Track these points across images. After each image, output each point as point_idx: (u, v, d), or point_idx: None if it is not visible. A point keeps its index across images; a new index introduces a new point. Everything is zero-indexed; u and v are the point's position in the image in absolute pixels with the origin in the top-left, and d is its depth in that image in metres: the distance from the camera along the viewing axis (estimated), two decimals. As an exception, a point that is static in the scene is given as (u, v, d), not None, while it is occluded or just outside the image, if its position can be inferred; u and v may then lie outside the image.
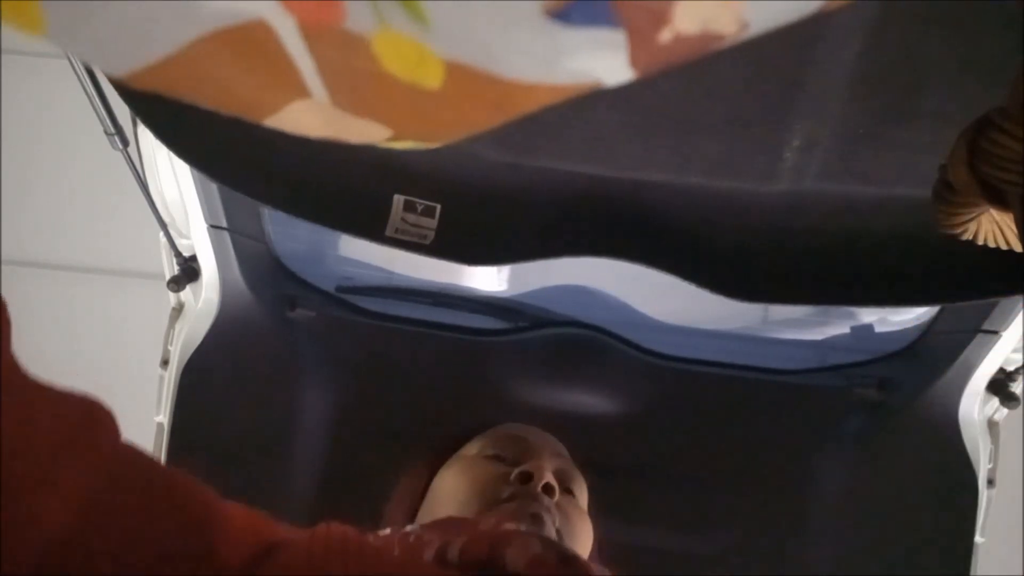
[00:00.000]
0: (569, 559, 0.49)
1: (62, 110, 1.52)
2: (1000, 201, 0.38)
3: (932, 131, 0.59)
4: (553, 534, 0.65)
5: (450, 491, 0.71)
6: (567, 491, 0.73)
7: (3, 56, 1.51)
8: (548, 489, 0.68)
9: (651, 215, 0.75)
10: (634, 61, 0.18)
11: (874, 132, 0.61)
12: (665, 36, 0.17)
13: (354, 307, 0.95)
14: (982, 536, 0.89)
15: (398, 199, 0.73)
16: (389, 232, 0.73)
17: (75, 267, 1.64)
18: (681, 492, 0.97)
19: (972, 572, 0.88)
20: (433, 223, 0.73)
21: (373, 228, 0.73)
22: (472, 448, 0.78)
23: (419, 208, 0.73)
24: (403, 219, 0.73)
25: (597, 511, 0.78)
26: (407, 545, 0.50)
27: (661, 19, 0.17)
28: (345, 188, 0.72)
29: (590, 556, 0.73)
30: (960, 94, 0.57)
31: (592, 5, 0.17)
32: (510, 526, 0.60)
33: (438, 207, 0.73)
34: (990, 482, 0.88)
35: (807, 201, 0.71)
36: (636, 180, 0.70)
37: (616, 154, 0.66)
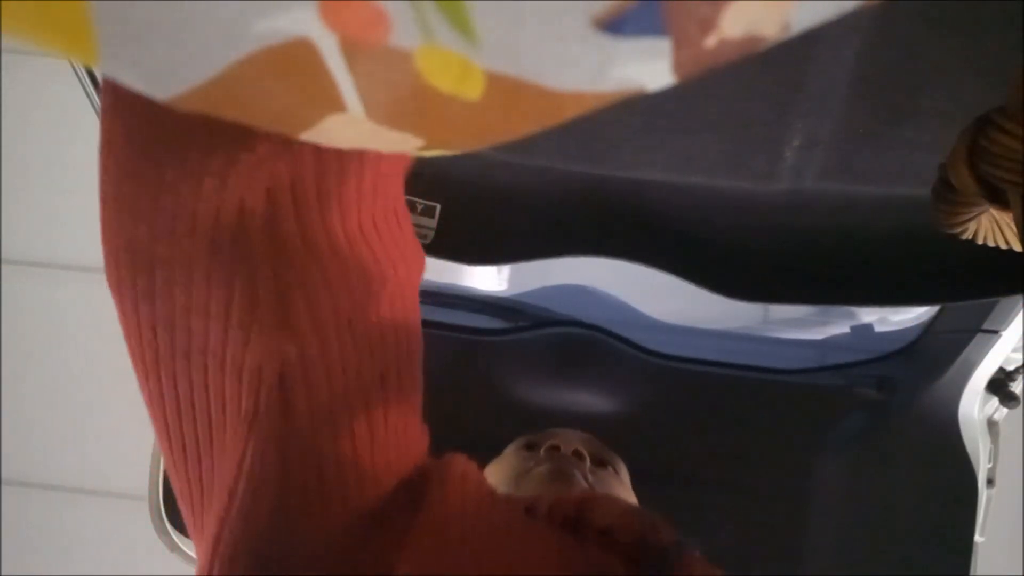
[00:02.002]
0: (651, 522, 0.50)
1: (62, 110, 1.52)
2: (1000, 200, 0.38)
3: (932, 130, 0.59)
4: None
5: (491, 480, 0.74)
6: (603, 466, 0.75)
7: (3, 56, 1.51)
8: (577, 455, 0.71)
9: (651, 215, 0.75)
10: (677, 67, 0.18)
11: (874, 131, 0.61)
12: (710, 41, 0.17)
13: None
14: (982, 536, 0.88)
15: (398, 199, 0.73)
16: (389, 232, 0.73)
17: (75, 266, 1.64)
18: (681, 492, 0.97)
19: (972, 572, 0.88)
20: (433, 223, 0.73)
21: (373, 228, 0.73)
22: (508, 449, 0.80)
23: (419, 208, 0.73)
24: (403, 219, 0.73)
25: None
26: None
27: (708, 25, 0.17)
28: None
29: None
30: (960, 94, 0.57)
31: (644, 15, 0.17)
32: (577, 491, 0.62)
33: (437, 207, 0.73)
34: (990, 482, 0.88)
35: (807, 200, 0.70)
36: (636, 180, 0.70)
37: (616, 154, 0.66)
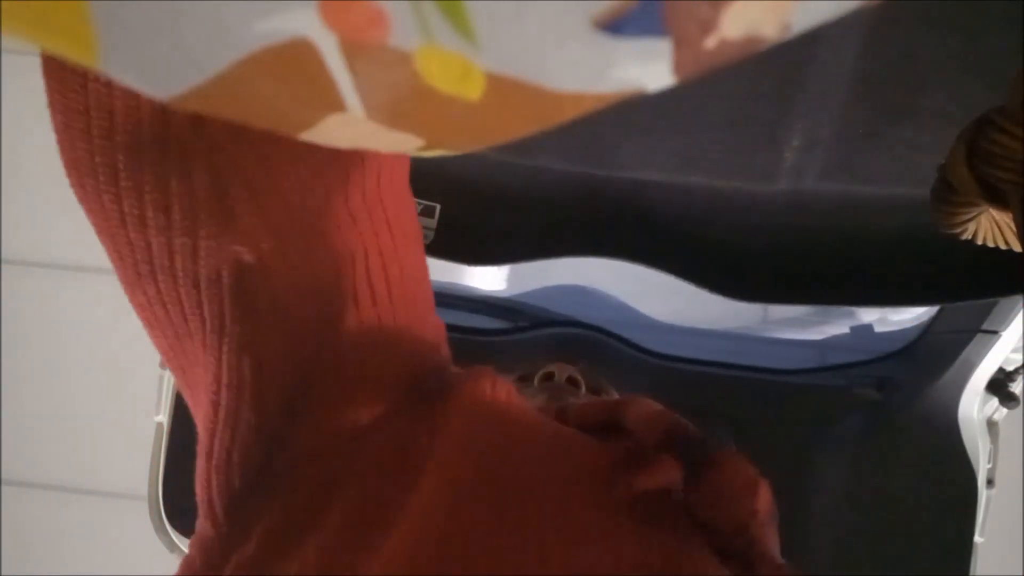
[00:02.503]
0: (681, 420, 0.49)
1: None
2: (999, 200, 0.38)
3: (932, 130, 0.59)
4: None
5: None
6: (598, 393, 0.73)
7: (3, 56, 1.51)
8: (572, 382, 0.70)
9: (651, 215, 0.75)
10: (677, 68, 0.18)
11: (874, 131, 0.61)
12: (710, 43, 0.17)
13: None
14: (982, 536, 0.89)
15: (398, 199, 0.73)
16: (389, 232, 0.73)
17: (75, 266, 1.64)
18: (681, 492, 0.97)
19: (972, 572, 0.88)
20: (433, 223, 0.73)
21: (373, 228, 0.73)
22: None
23: (419, 208, 0.73)
24: (403, 219, 0.73)
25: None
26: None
27: (709, 26, 0.17)
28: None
29: None
30: (960, 94, 0.57)
31: (644, 16, 0.17)
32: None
33: (437, 207, 0.73)
34: (990, 482, 0.88)
35: (807, 200, 0.71)
36: (636, 180, 0.70)
37: (616, 154, 0.66)
